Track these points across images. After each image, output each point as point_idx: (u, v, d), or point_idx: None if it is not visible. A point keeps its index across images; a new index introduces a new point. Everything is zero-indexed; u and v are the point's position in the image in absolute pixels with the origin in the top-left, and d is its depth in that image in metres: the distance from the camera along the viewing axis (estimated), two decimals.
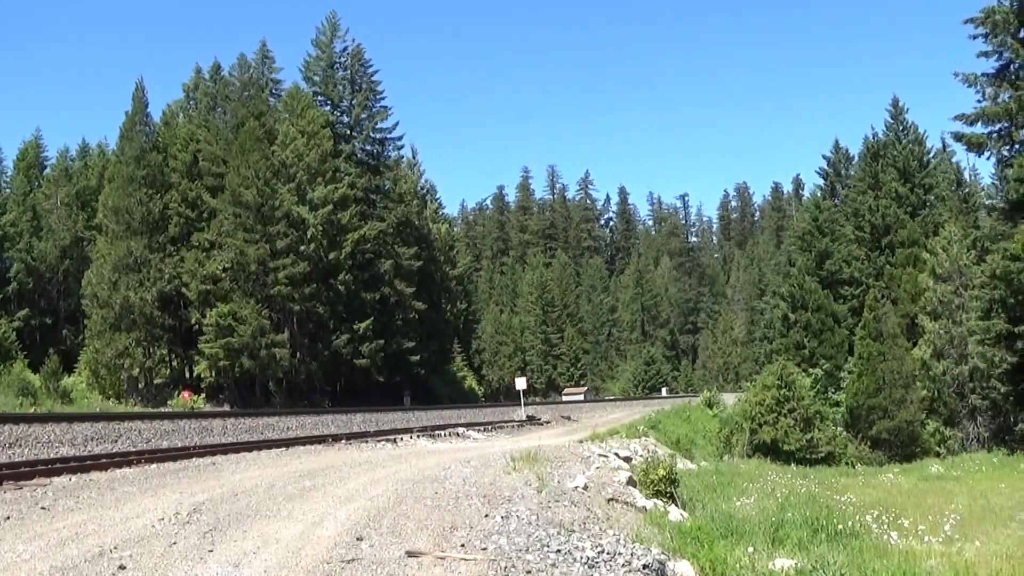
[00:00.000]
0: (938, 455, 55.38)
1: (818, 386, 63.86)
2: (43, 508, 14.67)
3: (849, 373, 64.47)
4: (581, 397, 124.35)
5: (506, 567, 10.39)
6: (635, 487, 21.94)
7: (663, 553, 13.18)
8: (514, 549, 11.44)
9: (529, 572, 10.36)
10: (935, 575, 14.83)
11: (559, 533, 12.77)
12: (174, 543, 11.28)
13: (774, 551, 16.53)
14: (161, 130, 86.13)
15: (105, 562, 10.20)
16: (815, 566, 14.85)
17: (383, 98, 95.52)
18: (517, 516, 13.87)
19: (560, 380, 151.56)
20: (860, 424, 58.12)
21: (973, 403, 58.43)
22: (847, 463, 52.20)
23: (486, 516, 13.86)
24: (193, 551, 10.82)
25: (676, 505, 21.53)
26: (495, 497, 16.00)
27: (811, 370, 66.47)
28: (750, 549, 15.70)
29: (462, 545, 11.54)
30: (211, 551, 10.82)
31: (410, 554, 10.79)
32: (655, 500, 20.88)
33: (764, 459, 48.77)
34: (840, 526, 20.39)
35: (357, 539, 11.63)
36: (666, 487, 22.41)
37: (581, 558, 11.38)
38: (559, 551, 11.58)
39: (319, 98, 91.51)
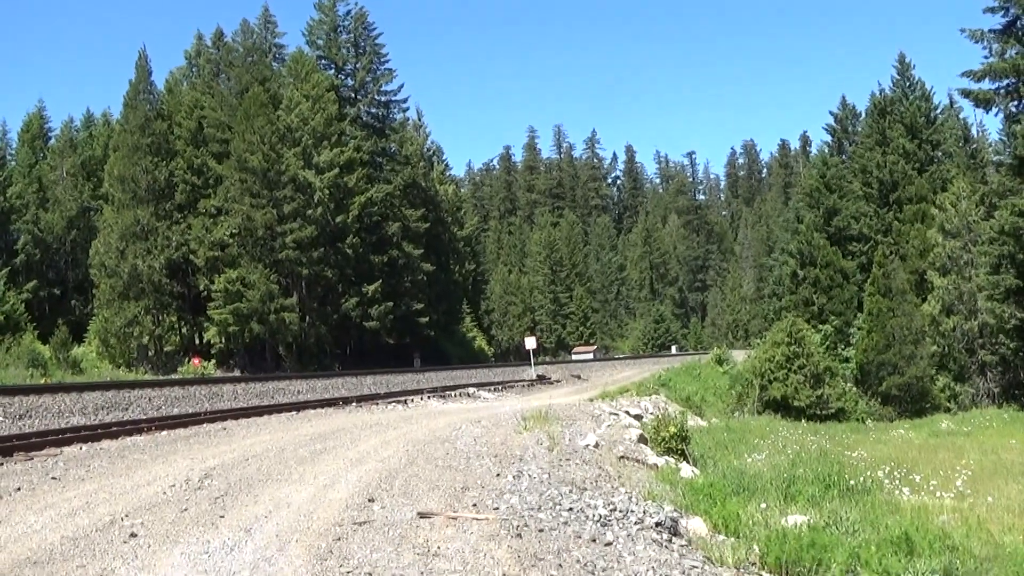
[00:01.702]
0: (948, 411, 55.27)
1: (828, 342, 63.79)
2: (54, 478, 14.67)
3: (858, 329, 64.39)
4: (591, 356, 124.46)
5: (518, 526, 10.38)
6: (646, 444, 21.97)
7: (676, 510, 13.20)
8: (526, 508, 11.44)
9: (542, 531, 10.34)
10: (947, 530, 14.77)
11: (571, 491, 12.77)
12: (185, 509, 11.27)
13: (786, 507, 16.52)
14: (165, 98, 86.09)
15: (116, 530, 10.18)
16: (828, 522, 14.83)
17: (387, 60, 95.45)
18: (529, 475, 13.88)
19: (570, 339, 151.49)
20: (870, 380, 58.05)
21: (983, 359, 58.35)
22: (857, 419, 52.05)
23: (497, 475, 13.87)
24: (204, 517, 10.80)
25: (687, 462, 21.55)
26: (506, 456, 16.01)
27: (820, 326, 66.35)
28: (763, 505, 15.70)
29: (474, 505, 11.53)
30: (222, 516, 10.80)
31: (422, 515, 10.77)
32: (666, 457, 20.90)
33: (774, 416, 48.77)
34: (852, 482, 20.37)
35: (369, 501, 11.61)
36: (677, 444, 22.42)
37: (593, 516, 11.38)
38: (571, 509, 11.58)
39: (323, 62, 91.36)
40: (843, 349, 66.31)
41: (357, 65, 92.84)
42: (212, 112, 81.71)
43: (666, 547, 10.93)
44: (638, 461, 19.06)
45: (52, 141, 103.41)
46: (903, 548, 12.96)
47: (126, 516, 10.92)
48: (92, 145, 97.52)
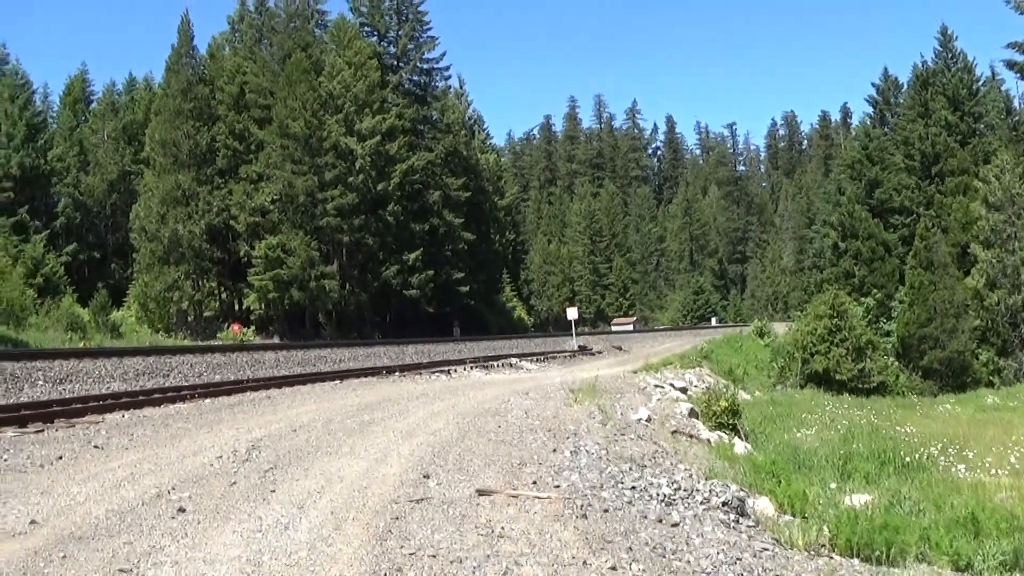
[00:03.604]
0: (991, 385, 54.96)
1: (869, 315, 63.48)
2: (96, 447, 14.42)
3: (900, 302, 64.08)
4: (630, 327, 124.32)
5: (582, 506, 10.05)
6: (697, 419, 21.69)
7: (740, 489, 12.86)
8: (588, 486, 11.13)
9: (606, 511, 10.01)
10: (1013, 510, 14.44)
11: (631, 469, 12.47)
12: (234, 483, 10.98)
13: (843, 484, 16.25)
14: (207, 63, 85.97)
15: (164, 504, 9.88)
16: (892, 501, 14.52)
17: (429, 28, 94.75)
18: (586, 451, 13.59)
19: (609, 310, 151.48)
20: (911, 354, 57.76)
21: None
22: (899, 393, 51.82)
23: (553, 451, 13.57)
24: (255, 491, 10.50)
25: (740, 437, 21.29)
26: (560, 431, 15.71)
27: (862, 299, 66.08)
28: (832, 485, 15.40)
29: (534, 482, 11.21)
30: (273, 491, 10.50)
31: (481, 492, 10.45)
32: (718, 432, 20.68)
33: (817, 389, 48.58)
34: (907, 459, 20.11)
35: (424, 476, 11.30)
36: (729, 419, 22.16)
37: (657, 495, 11.08)
38: (634, 488, 11.28)
39: (365, 29, 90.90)
40: (884, 322, 66.05)
41: (400, 32, 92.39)
42: (254, 78, 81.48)
43: (734, 528, 10.62)
44: (691, 436, 18.77)
45: (94, 104, 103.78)
46: (970, 529, 12.68)
47: (173, 489, 10.63)
48: (134, 109, 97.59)
